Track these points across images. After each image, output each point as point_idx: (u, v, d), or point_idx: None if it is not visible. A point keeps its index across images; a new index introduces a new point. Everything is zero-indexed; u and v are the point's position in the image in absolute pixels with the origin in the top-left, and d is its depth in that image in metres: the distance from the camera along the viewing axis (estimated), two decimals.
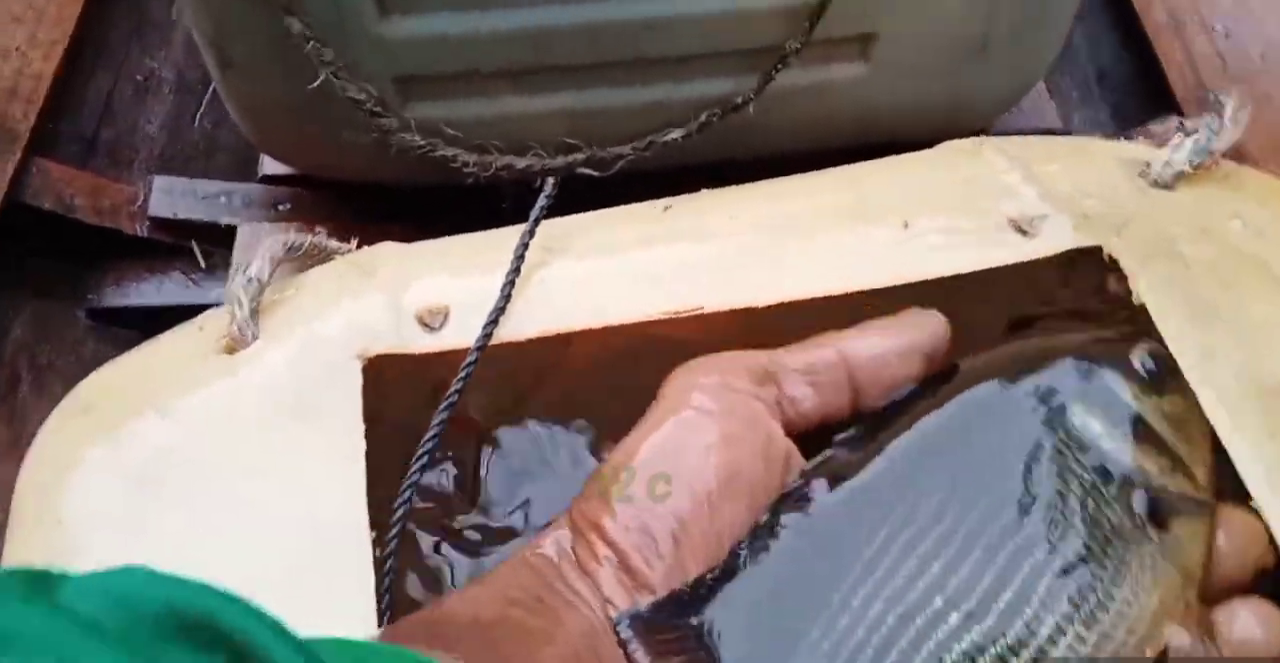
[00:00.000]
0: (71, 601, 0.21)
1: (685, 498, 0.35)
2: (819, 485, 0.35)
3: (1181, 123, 0.50)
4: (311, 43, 0.55)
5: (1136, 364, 0.37)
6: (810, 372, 0.38)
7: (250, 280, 0.43)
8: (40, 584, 0.21)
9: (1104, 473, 0.35)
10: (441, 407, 0.41)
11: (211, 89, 0.87)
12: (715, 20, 0.61)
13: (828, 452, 0.37)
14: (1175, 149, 0.47)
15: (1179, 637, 0.34)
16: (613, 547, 0.35)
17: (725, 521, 0.35)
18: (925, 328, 0.39)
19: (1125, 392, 0.37)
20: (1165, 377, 0.38)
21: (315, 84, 0.57)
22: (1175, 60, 0.86)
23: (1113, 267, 0.45)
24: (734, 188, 0.50)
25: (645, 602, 0.34)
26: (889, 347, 0.38)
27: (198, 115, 0.86)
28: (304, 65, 0.56)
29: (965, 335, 0.39)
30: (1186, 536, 0.35)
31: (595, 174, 0.60)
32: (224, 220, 0.76)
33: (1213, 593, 0.36)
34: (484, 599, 0.34)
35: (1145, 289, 0.43)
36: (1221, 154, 0.48)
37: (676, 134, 0.66)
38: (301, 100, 0.59)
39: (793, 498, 0.36)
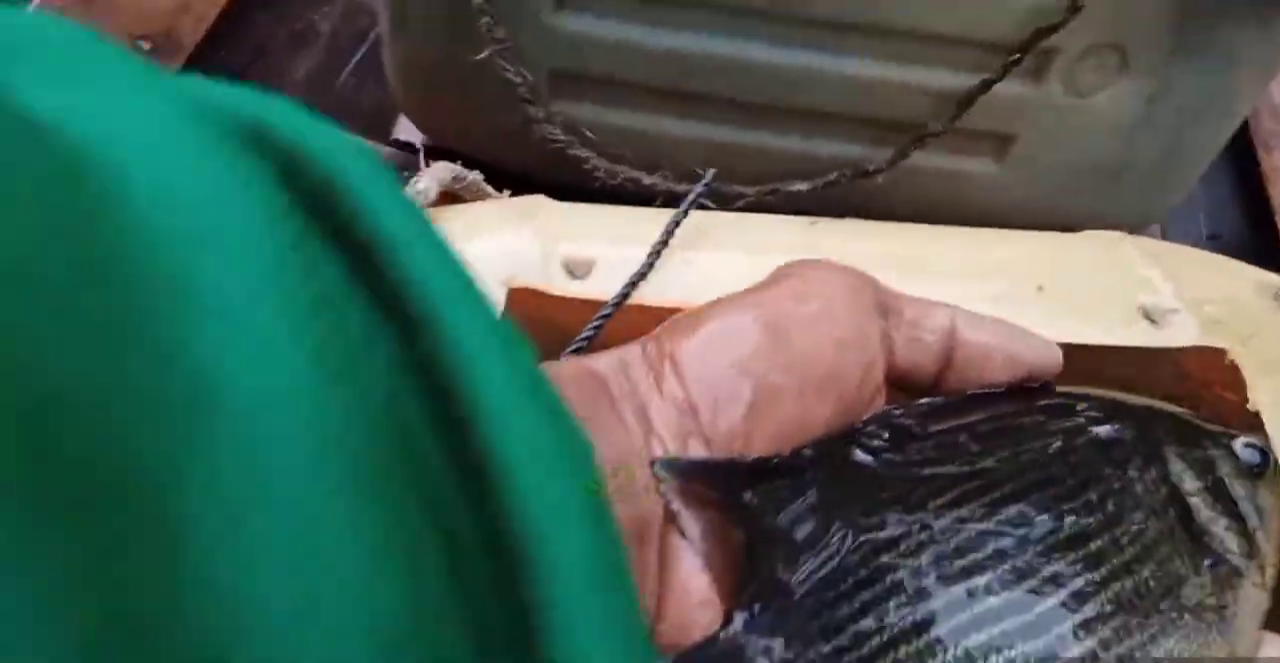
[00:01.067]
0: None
1: (784, 373, 0.31)
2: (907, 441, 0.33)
3: None
4: (486, 18, 0.58)
5: (1239, 450, 0.36)
6: (916, 327, 0.34)
7: (418, 193, 0.45)
8: None
9: (1186, 525, 0.33)
10: (569, 349, 0.42)
11: (362, 51, 0.91)
12: (868, 85, 0.63)
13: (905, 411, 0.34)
14: None
15: None
16: (683, 384, 0.31)
17: (812, 418, 0.32)
18: (1042, 352, 0.36)
19: (1224, 466, 0.35)
20: (1266, 472, 0.36)
21: (478, 57, 0.60)
22: None
23: (1232, 372, 0.46)
24: (879, 222, 0.52)
25: (696, 454, 0.31)
26: (1001, 345, 0.35)
27: (344, 73, 0.90)
28: (473, 38, 0.58)
29: None
30: (1243, 623, 0.33)
31: (714, 207, 0.62)
32: None
33: None
34: None
35: (1262, 399, 0.44)
36: None
37: (801, 186, 0.68)
38: (459, 71, 0.62)
39: (882, 437, 0.33)
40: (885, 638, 0.30)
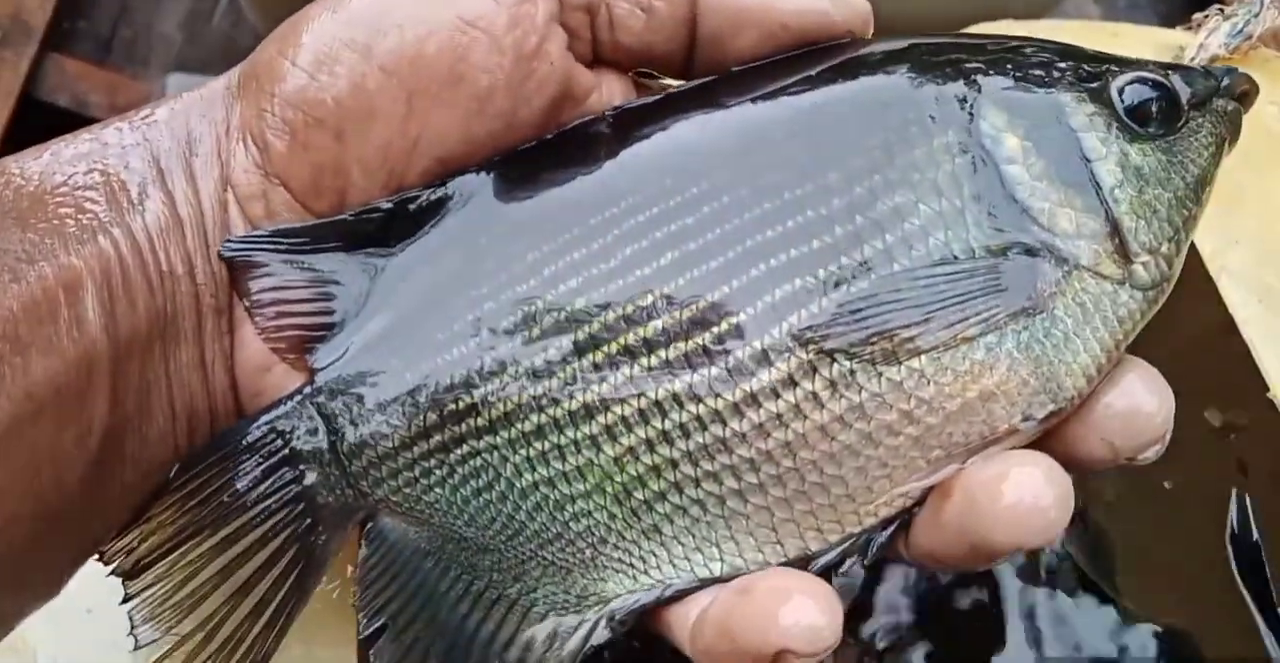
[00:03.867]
0: None
1: (380, 78, 0.26)
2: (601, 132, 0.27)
3: (1220, 8, 0.47)
4: None
5: (1116, 92, 0.27)
6: None
7: None
8: None
9: (989, 207, 0.25)
10: None
11: None
12: None
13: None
14: (1211, 32, 0.45)
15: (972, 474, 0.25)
16: (259, 116, 0.27)
17: (431, 130, 0.27)
18: (819, 6, 0.28)
19: (1076, 115, 0.26)
20: (1154, 118, 0.27)
21: None
22: None
23: None
24: None
25: (262, 230, 0.27)
26: (755, 9, 0.28)
27: (215, 15, 0.86)
28: None
29: None
30: (1070, 331, 0.25)
31: None
32: None
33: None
34: (59, 157, 0.26)
35: None
36: (1260, 40, 0.46)
37: None
38: None
39: (554, 157, 0.27)
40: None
